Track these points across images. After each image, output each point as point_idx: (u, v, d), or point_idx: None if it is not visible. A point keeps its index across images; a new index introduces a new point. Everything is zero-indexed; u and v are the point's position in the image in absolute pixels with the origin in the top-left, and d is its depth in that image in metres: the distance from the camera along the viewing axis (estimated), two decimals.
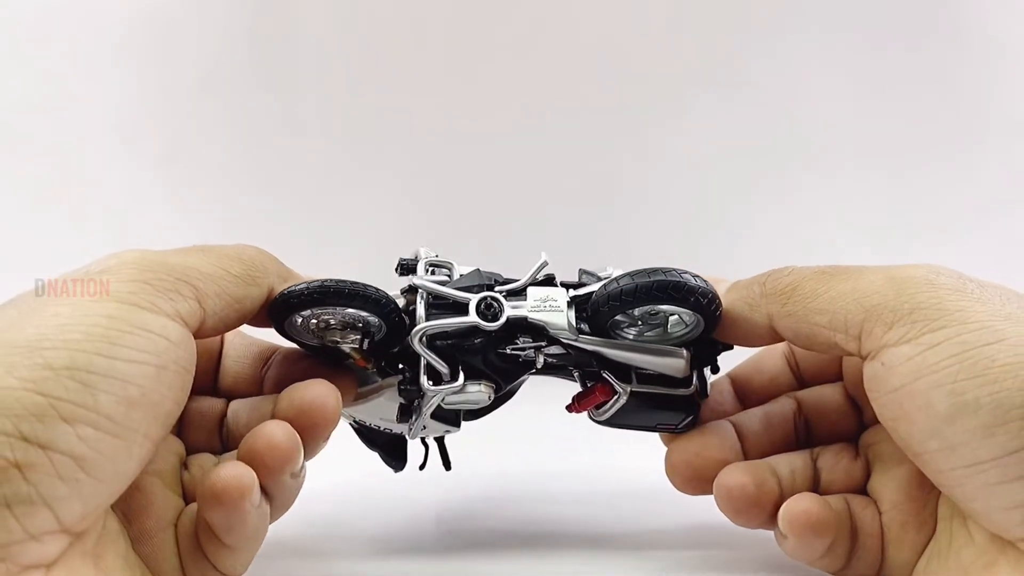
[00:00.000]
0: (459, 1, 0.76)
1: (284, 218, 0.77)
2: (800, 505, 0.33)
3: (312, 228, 0.77)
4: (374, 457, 0.42)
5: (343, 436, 0.37)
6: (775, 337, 0.34)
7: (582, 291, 0.35)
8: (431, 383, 0.34)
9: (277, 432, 0.31)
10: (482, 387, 0.34)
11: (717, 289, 0.34)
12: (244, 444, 0.31)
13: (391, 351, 0.36)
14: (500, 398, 0.36)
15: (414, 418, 0.36)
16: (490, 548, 0.40)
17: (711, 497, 0.35)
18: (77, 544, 0.27)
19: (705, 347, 0.36)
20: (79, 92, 0.77)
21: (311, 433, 0.32)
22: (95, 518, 0.28)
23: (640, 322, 0.35)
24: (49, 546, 0.25)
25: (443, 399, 0.34)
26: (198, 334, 0.30)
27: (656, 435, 0.38)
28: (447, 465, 0.41)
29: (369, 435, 0.40)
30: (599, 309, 0.34)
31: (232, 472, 0.30)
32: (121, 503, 0.30)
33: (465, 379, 0.34)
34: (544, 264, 0.35)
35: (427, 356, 0.33)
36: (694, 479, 0.36)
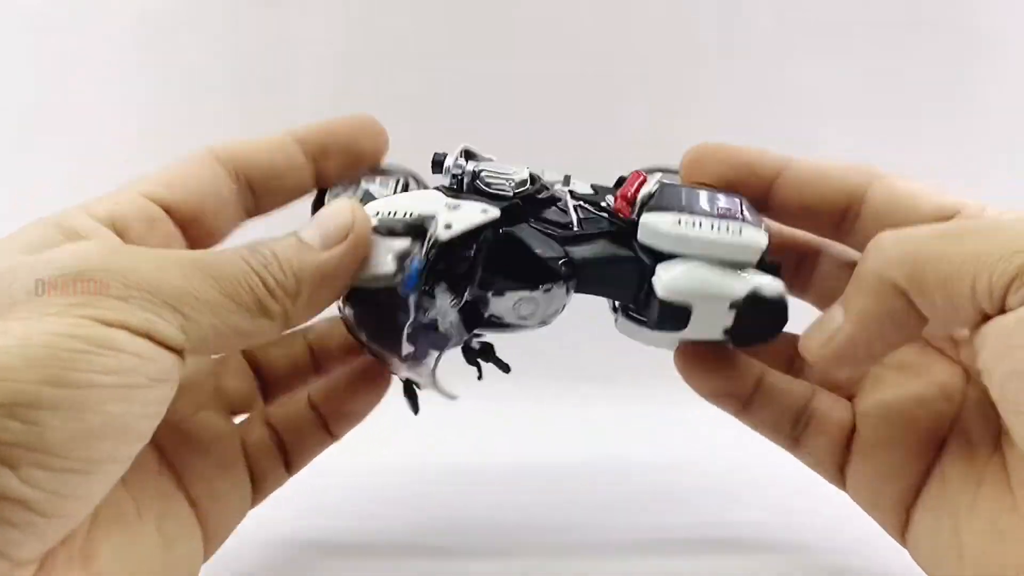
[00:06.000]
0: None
1: (284, 218, 0.76)
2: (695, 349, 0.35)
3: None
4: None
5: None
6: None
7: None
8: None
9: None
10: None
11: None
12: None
13: None
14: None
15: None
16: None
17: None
18: (61, 550, 0.25)
19: None
20: (80, 91, 0.77)
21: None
22: (73, 528, 0.25)
23: None
24: None
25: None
26: (182, 355, 0.26)
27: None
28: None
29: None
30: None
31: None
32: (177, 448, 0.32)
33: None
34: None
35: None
36: None
